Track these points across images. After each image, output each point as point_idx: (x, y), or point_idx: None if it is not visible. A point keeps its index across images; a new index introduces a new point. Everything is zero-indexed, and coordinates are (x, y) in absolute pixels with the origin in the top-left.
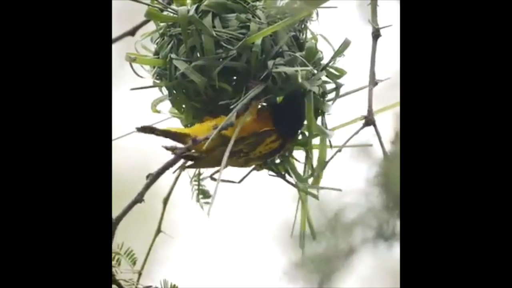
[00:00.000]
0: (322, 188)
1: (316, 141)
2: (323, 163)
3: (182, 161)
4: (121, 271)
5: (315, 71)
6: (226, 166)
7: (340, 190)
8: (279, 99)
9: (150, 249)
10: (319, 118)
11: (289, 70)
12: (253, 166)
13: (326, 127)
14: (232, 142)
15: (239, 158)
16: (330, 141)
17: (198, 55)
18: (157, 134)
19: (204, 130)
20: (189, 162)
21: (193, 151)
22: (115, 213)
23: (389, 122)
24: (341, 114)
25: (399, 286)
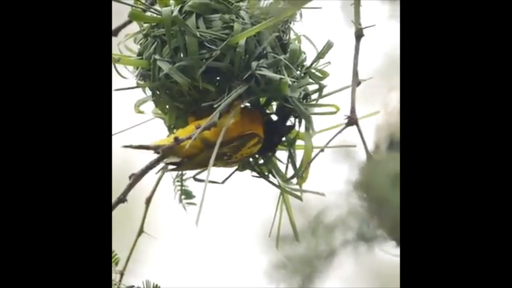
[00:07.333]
0: (306, 191)
1: (299, 141)
2: (307, 163)
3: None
4: None
5: (298, 72)
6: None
7: (323, 194)
8: (262, 100)
9: (132, 249)
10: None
11: (273, 76)
12: (236, 167)
13: (312, 128)
14: (218, 144)
15: (222, 161)
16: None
17: (182, 55)
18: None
19: (186, 131)
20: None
21: (175, 158)
22: None
23: (370, 132)
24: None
25: (380, 287)
